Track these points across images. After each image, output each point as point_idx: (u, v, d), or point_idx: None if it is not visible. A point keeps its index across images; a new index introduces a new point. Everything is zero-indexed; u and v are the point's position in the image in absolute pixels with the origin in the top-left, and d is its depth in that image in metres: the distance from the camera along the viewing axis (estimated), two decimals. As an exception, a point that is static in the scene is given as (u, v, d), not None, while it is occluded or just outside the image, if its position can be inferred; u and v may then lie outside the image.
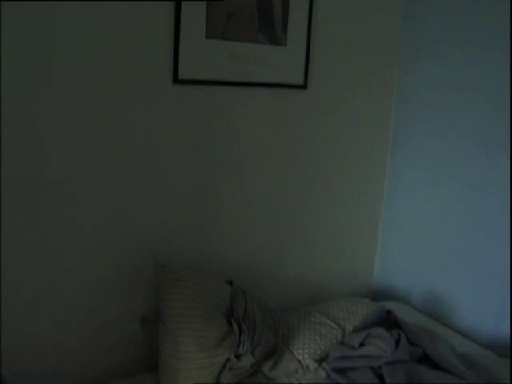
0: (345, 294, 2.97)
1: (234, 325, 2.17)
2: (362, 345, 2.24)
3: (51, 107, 2.07)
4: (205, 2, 2.28)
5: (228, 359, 2.16)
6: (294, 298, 2.84)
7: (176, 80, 2.30)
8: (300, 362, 2.31)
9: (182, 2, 2.22)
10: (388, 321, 2.38)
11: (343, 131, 2.83)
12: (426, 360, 2.20)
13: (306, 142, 2.72)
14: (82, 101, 2.13)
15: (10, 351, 2.19)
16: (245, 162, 2.57)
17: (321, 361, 2.35)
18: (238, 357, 2.16)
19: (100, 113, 2.18)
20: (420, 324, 2.53)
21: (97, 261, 2.30)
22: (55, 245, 2.20)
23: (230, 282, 2.37)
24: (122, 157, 2.26)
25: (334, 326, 2.48)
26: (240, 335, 2.16)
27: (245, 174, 2.58)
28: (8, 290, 2.14)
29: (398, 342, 2.19)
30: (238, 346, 2.16)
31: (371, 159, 2.98)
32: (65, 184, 2.16)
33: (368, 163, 2.97)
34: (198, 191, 2.47)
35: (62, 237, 2.21)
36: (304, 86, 2.63)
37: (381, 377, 2.07)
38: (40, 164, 2.10)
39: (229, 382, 2.15)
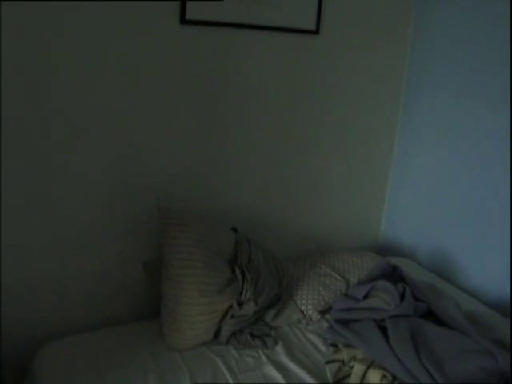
0: (351, 248, 2.94)
1: (238, 272, 2.15)
2: (366, 297, 2.22)
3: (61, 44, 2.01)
4: None
5: (230, 306, 2.14)
6: (299, 249, 2.81)
7: (183, 20, 2.20)
8: (303, 312, 2.30)
9: None
10: (393, 275, 2.35)
11: (355, 80, 2.74)
12: (430, 316, 2.18)
13: (316, 89, 2.63)
14: (87, 42, 2.06)
15: (10, 298, 2.20)
16: (252, 108, 2.50)
17: (324, 312, 2.33)
18: (240, 304, 2.15)
19: (104, 54, 2.10)
20: (425, 280, 2.50)
21: (98, 206, 2.27)
22: (55, 189, 2.17)
23: (235, 229, 2.34)
24: (126, 99, 2.20)
25: (338, 277, 2.46)
26: (243, 282, 2.14)
27: (252, 120, 2.51)
28: (8, 235, 2.12)
29: (402, 296, 2.16)
30: (241, 294, 2.14)
31: (383, 113, 2.91)
32: (66, 126, 2.11)
33: (380, 116, 2.90)
34: (203, 137, 2.41)
35: (62, 181, 2.17)
36: (316, 32, 2.53)
37: (384, 330, 2.04)
38: (42, 102, 2.04)
39: (231, 329, 2.15)
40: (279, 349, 2.14)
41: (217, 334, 2.18)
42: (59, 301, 2.33)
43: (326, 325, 2.27)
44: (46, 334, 2.24)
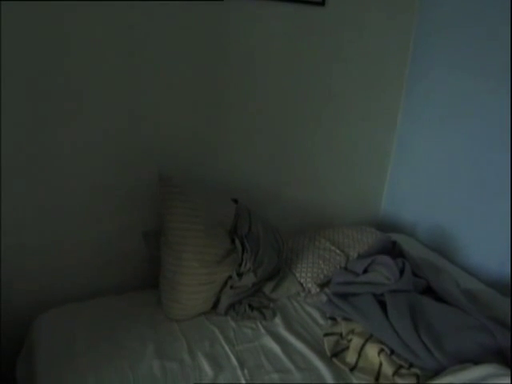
0: (351, 223, 2.93)
1: (237, 242, 2.14)
2: (365, 271, 2.22)
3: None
4: None
5: (229, 277, 2.14)
6: (299, 223, 2.80)
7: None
8: (302, 285, 2.29)
9: None
10: (393, 251, 2.35)
11: (360, 53, 2.69)
12: (429, 292, 2.18)
13: (320, 62, 2.59)
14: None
15: (10, 266, 2.20)
16: (256, 79, 2.46)
17: (323, 285, 2.33)
18: (239, 275, 2.14)
19: (104, 17, 2.07)
20: (425, 258, 2.50)
21: (99, 174, 2.26)
22: (56, 156, 2.15)
23: (235, 200, 2.32)
24: (127, 64, 2.16)
25: (338, 251, 2.45)
26: (243, 253, 2.14)
27: (256, 91, 2.48)
28: (8, 201, 2.11)
29: (402, 272, 2.16)
30: (240, 265, 2.14)
31: (387, 90, 2.87)
32: (67, 93, 2.08)
33: (383, 94, 2.86)
34: (205, 107, 2.38)
35: (62, 148, 2.15)
36: (322, 3, 2.48)
37: (383, 304, 2.04)
38: (46, 67, 2.01)
39: (229, 300, 2.14)
40: (278, 321, 2.14)
41: (215, 305, 2.18)
42: (58, 269, 2.32)
43: (324, 298, 2.26)
44: (45, 301, 2.25)
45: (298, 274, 2.32)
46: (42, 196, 2.18)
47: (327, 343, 2.00)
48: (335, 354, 1.96)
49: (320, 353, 1.96)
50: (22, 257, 2.24)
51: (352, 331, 2.02)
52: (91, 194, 2.26)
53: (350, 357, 1.94)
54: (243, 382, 1.83)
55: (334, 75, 2.66)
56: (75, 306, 2.21)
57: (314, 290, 2.29)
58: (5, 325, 2.27)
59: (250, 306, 2.17)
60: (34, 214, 2.19)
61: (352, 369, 1.89)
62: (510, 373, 1.60)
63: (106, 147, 2.23)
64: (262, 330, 2.08)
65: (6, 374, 2.19)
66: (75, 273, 2.36)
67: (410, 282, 2.13)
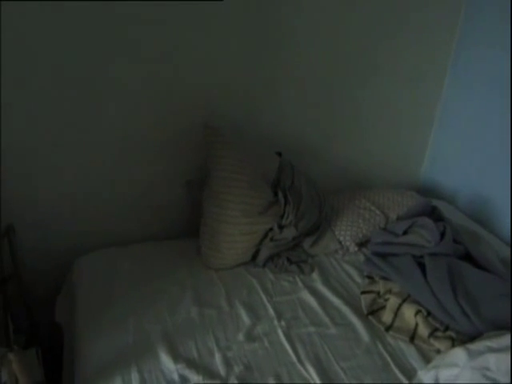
0: (392, 186, 2.90)
1: (280, 195, 2.14)
2: (405, 233, 2.20)
3: None
4: None
5: (270, 229, 2.14)
6: (340, 182, 2.77)
7: None
8: (341, 242, 2.29)
9: None
10: (433, 215, 2.32)
11: (412, 19, 2.60)
12: (468, 260, 2.15)
13: (369, 19, 2.50)
14: None
15: (50, 210, 2.24)
16: (304, 34, 2.39)
17: (361, 245, 2.33)
18: (280, 228, 2.15)
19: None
20: (465, 225, 2.47)
21: (145, 121, 2.25)
22: (98, 101, 2.15)
23: (279, 154, 2.31)
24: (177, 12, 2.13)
25: (378, 212, 2.44)
26: (285, 206, 2.14)
27: (303, 46, 2.41)
28: (48, 147, 2.13)
29: (442, 235, 2.13)
30: (282, 217, 2.14)
31: (436, 53, 2.78)
32: (110, 36, 2.06)
33: (432, 57, 2.77)
34: (254, 59, 2.34)
35: (107, 93, 2.14)
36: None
37: (421, 266, 2.03)
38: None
39: (269, 252, 2.15)
40: (315, 276, 2.15)
41: (254, 257, 2.20)
42: (99, 214, 2.36)
43: (362, 257, 2.27)
44: (85, 246, 2.29)
45: (337, 232, 2.32)
46: (88, 144, 2.20)
47: (364, 301, 2.01)
48: (371, 312, 1.96)
49: (356, 310, 1.97)
50: (64, 205, 2.28)
51: (389, 291, 2.02)
52: (136, 139, 2.27)
53: (387, 316, 1.94)
54: (280, 332, 1.85)
55: (384, 38, 2.58)
56: (114, 251, 2.26)
57: (353, 248, 2.29)
58: (43, 267, 2.31)
59: (288, 259, 2.19)
60: (75, 159, 2.21)
61: (388, 328, 1.90)
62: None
63: (153, 92, 2.21)
64: (300, 284, 2.10)
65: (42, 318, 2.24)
66: (116, 218, 2.39)
67: (450, 247, 2.11)
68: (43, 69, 2.00)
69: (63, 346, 2.09)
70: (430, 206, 2.36)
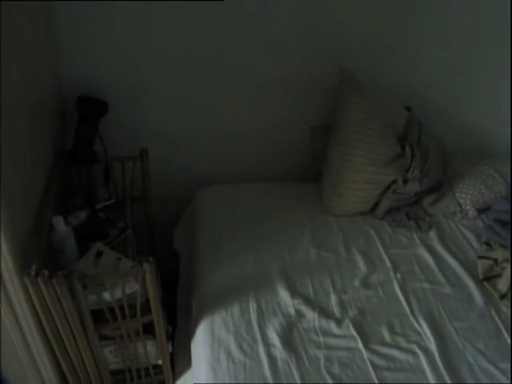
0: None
1: (407, 149, 2.10)
2: (529, 204, 2.14)
3: None
4: None
5: (394, 181, 2.12)
6: (463, 144, 2.63)
7: None
8: (460, 205, 2.24)
9: None
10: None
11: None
12: None
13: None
14: None
15: (177, 145, 2.31)
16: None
17: (481, 211, 2.27)
18: (404, 182, 2.12)
19: None
20: None
21: (286, 58, 2.22)
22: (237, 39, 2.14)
23: (408, 108, 2.26)
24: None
25: (500, 180, 2.35)
26: (411, 160, 2.10)
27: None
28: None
29: None
30: (407, 171, 2.11)
31: None
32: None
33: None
34: (392, 7, 2.22)
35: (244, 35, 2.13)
36: None
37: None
38: None
39: (389, 204, 2.14)
40: (432, 235, 2.13)
41: (373, 209, 2.19)
42: (224, 150, 2.40)
43: (480, 223, 2.21)
44: (208, 180, 2.36)
45: (458, 194, 2.26)
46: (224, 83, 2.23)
47: (481, 266, 1.97)
48: (487, 279, 1.93)
49: (472, 274, 1.94)
50: (190, 139, 2.33)
51: (507, 259, 1.97)
52: (264, 81, 2.25)
53: (502, 284, 1.90)
54: (395, 284, 1.85)
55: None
56: (235, 187, 2.32)
57: (472, 213, 2.23)
58: (167, 195, 2.38)
59: (407, 215, 2.17)
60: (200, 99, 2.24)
61: (502, 296, 1.86)
62: None
63: (285, 34, 2.17)
64: (417, 240, 2.08)
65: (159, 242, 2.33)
66: (239, 158, 2.43)
67: None
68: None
69: (179, 270, 2.18)
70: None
